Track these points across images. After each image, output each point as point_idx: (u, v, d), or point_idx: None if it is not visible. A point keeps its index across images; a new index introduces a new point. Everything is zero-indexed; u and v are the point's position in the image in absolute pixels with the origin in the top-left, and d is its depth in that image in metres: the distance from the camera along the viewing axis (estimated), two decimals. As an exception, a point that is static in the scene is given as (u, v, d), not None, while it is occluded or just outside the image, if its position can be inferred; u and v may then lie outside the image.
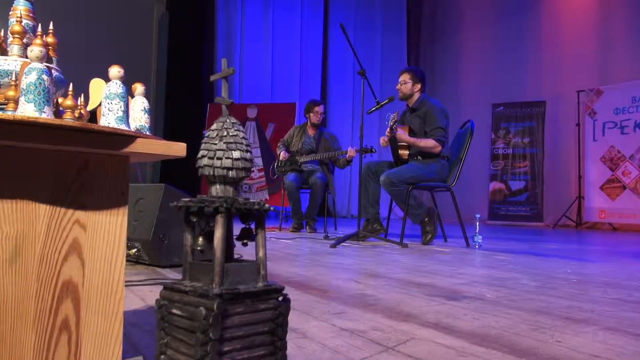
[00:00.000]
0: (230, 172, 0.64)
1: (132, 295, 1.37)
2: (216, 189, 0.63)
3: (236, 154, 0.63)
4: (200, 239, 0.60)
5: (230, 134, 0.65)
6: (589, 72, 6.83)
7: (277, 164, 4.42)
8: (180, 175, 5.87)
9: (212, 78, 0.69)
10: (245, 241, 0.63)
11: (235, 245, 0.84)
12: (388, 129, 3.30)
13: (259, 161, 6.33)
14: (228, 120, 0.66)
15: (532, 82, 7.45)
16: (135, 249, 1.93)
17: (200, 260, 0.64)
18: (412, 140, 3.31)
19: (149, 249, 1.89)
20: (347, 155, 4.15)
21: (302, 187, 4.27)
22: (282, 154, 4.30)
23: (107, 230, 0.76)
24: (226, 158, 0.63)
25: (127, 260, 2.01)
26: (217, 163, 0.63)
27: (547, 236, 4.85)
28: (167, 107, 6.50)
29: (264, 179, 6.25)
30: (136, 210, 1.98)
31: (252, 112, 6.47)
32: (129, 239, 1.95)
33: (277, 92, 7.60)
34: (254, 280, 0.62)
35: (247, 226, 0.64)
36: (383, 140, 3.44)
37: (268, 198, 6.21)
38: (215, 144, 0.64)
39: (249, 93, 7.36)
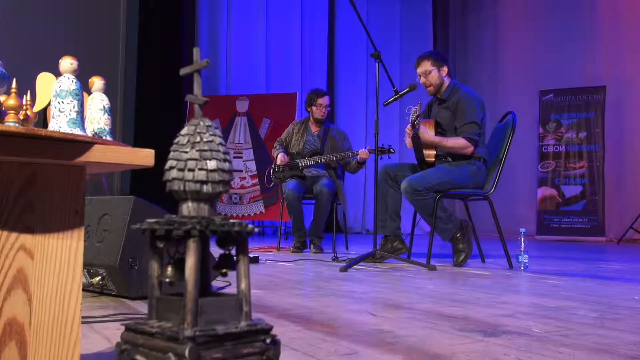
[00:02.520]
0: (204, 186, 0.64)
1: (94, 334, 1.37)
2: (188, 207, 0.63)
3: (212, 164, 0.63)
4: (169, 268, 0.60)
5: (205, 139, 0.65)
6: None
7: (274, 168, 4.43)
8: (156, 184, 5.90)
9: (182, 72, 0.70)
10: (224, 270, 0.63)
11: (213, 276, 0.84)
12: (409, 125, 3.30)
13: (251, 165, 6.35)
14: (201, 122, 0.66)
15: (589, 63, 7.42)
16: (99, 277, 1.94)
17: (170, 294, 0.64)
18: (436, 140, 3.30)
19: (115, 277, 1.90)
20: (358, 157, 4.15)
21: (304, 197, 4.28)
22: (280, 157, 4.31)
23: (59, 258, 0.77)
24: (199, 169, 0.63)
25: (89, 291, 2.02)
26: (189, 175, 0.63)
27: (609, 254, 4.80)
28: (137, 105, 6.53)
29: (258, 187, 6.27)
30: (100, 229, 1.99)
31: (242, 106, 6.50)
32: (91, 265, 1.96)
33: (274, 81, 7.63)
34: (236, 319, 0.61)
35: (226, 252, 0.64)
36: (408, 141, 3.44)
37: (264, 211, 6.23)
38: (186, 152, 0.64)
39: (239, 82, 7.40)
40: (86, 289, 1.99)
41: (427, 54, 3.51)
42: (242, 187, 6.31)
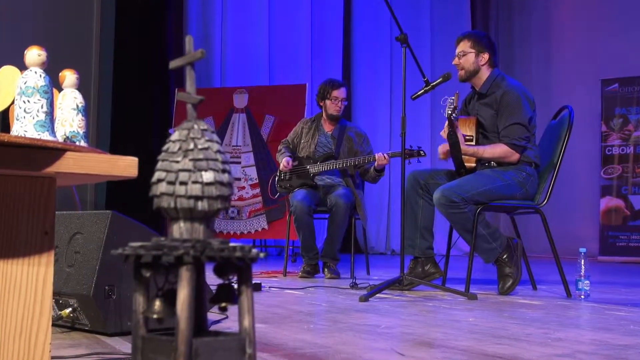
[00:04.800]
0: (199, 202, 0.64)
1: (64, 379, 1.38)
2: (180, 228, 0.63)
3: (208, 176, 0.63)
4: (157, 302, 0.60)
5: (199, 146, 0.65)
6: None
7: (279, 176, 4.44)
8: (138, 196, 5.91)
9: (173, 65, 0.70)
10: (223, 304, 0.63)
11: (209, 308, 0.84)
12: (446, 123, 3.30)
13: (252, 173, 6.36)
14: (195, 126, 0.66)
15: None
16: (70, 309, 1.95)
17: (158, 332, 0.64)
18: (472, 150, 3.31)
19: (89, 309, 1.90)
20: (375, 163, 4.15)
21: (316, 211, 4.28)
22: (285, 162, 4.32)
23: (24, 288, 0.77)
24: (193, 182, 0.63)
25: (57, 326, 2.03)
26: (181, 190, 0.63)
27: (690, 279, 4.75)
28: (115, 103, 6.57)
29: (259, 198, 6.28)
30: (70, 250, 2.00)
31: (240, 100, 6.53)
32: (60, 294, 1.97)
33: (278, 71, 7.66)
34: (237, 363, 0.61)
35: (226, 282, 0.64)
36: (442, 150, 3.43)
37: (267, 227, 6.23)
38: (178, 161, 0.64)
39: (236, 73, 7.44)
40: (54, 323, 2.01)
41: (470, 34, 3.54)
42: (241, 198, 6.32)
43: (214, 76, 7.39)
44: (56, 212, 1.82)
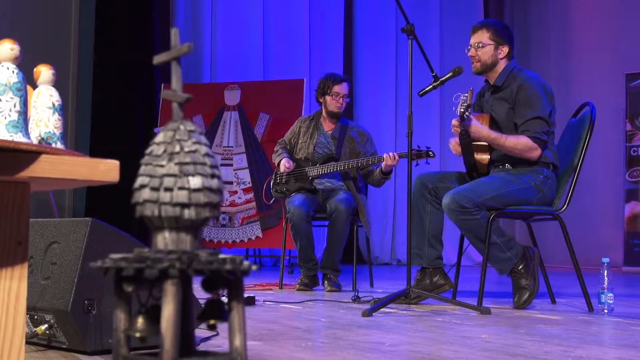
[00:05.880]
0: (186, 210, 0.63)
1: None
2: (164, 239, 0.63)
3: (195, 182, 0.63)
4: (140, 319, 0.60)
5: (186, 148, 0.65)
6: None
7: (275, 179, 4.44)
8: (121, 202, 5.90)
9: (157, 60, 0.70)
10: (212, 322, 0.63)
11: (197, 325, 0.84)
12: (456, 119, 3.29)
13: (244, 176, 6.36)
14: (182, 126, 0.66)
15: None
16: (46, 325, 1.95)
17: (141, 352, 0.64)
18: (492, 135, 3.28)
19: (67, 325, 1.90)
20: (382, 165, 4.15)
21: (315, 217, 4.27)
22: (283, 162, 4.32)
23: (-5, 303, 0.77)
24: (179, 189, 0.63)
25: (32, 344, 2.02)
26: (165, 197, 0.63)
27: None
28: (96, 101, 6.54)
29: (253, 204, 6.28)
30: (47, 261, 2.00)
31: (232, 97, 6.53)
32: (35, 309, 1.97)
33: (273, 65, 7.66)
34: (228, 386, 0.61)
35: (216, 297, 0.64)
36: (454, 145, 3.42)
37: (261, 236, 6.23)
38: (162, 165, 0.64)
39: (227, 67, 7.44)
40: (28, 340, 2.00)
41: (489, 23, 3.52)
42: (233, 204, 6.32)
43: (203, 70, 7.39)
44: (31, 219, 1.82)
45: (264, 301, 3.48)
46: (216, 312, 0.67)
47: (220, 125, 6.49)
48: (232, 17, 7.52)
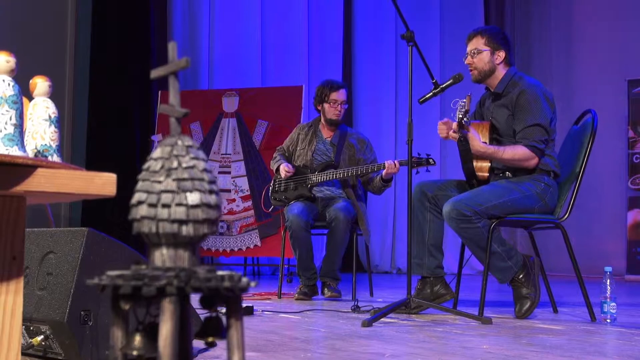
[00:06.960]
0: (184, 227, 0.64)
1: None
2: (162, 256, 0.63)
3: (193, 198, 0.63)
4: (138, 337, 0.60)
5: (184, 164, 0.65)
6: None
7: (274, 187, 4.44)
8: (117, 212, 5.90)
9: (154, 74, 0.70)
10: (210, 340, 0.63)
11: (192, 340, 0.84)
12: (455, 123, 3.29)
13: (242, 183, 6.35)
14: (180, 142, 0.66)
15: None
16: (42, 337, 1.94)
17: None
18: (489, 150, 3.29)
19: (63, 336, 1.90)
20: (383, 172, 4.15)
21: (314, 226, 4.27)
22: (283, 167, 4.31)
23: (-11, 319, 0.76)
24: (177, 205, 0.63)
25: (28, 355, 2.02)
26: (163, 213, 0.63)
27: None
28: (92, 113, 6.53)
29: (251, 212, 6.27)
30: (42, 272, 1.99)
31: (230, 104, 6.54)
32: (31, 321, 1.96)
33: (271, 72, 7.67)
34: (226, 406, 0.61)
35: (214, 314, 0.64)
36: (441, 127, 3.36)
37: (260, 244, 6.22)
38: (160, 181, 0.64)
39: (225, 73, 7.44)
40: (24, 352, 2.00)
41: (483, 30, 3.53)
42: (231, 212, 6.31)
43: (201, 77, 7.39)
44: (26, 229, 1.81)
45: (262, 311, 3.47)
46: (214, 330, 0.67)
47: (218, 133, 6.49)
48: (230, 23, 7.52)
